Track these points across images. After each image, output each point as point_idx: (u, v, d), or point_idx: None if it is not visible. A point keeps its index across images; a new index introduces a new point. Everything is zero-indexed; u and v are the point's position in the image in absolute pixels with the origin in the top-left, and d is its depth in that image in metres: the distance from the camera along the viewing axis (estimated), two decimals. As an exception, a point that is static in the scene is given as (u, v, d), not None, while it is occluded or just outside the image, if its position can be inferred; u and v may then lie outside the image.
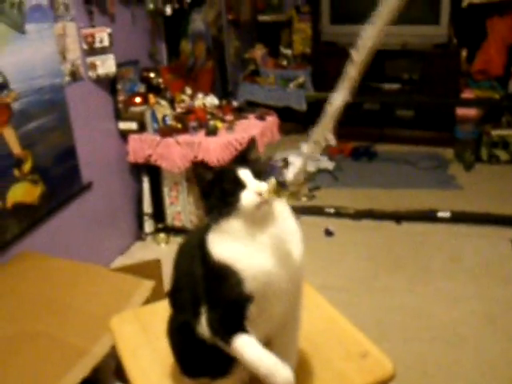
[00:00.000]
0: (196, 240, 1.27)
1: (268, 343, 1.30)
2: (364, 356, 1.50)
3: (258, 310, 1.18)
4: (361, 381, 1.43)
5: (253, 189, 1.14)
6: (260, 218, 1.18)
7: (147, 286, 2.27)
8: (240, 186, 1.15)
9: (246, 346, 1.19)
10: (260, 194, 1.14)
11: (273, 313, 1.23)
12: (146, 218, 3.60)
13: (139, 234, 3.67)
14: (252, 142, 1.30)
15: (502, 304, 2.86)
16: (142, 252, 3.48)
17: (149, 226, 3.63)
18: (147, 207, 3.58)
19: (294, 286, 1.25)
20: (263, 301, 1.18)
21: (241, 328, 1.20)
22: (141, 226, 3.66)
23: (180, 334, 1.36)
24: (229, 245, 1.18)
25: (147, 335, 1.67)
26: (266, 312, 1.21)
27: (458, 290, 2.99)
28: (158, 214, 3.60)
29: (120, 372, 2.25)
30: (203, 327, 1.25)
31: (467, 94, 5.10)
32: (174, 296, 1.38)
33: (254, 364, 1.19)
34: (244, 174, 1.16)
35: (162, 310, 1.51)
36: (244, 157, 1.24)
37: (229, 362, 1.28)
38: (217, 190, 1.18)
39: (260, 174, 1.17)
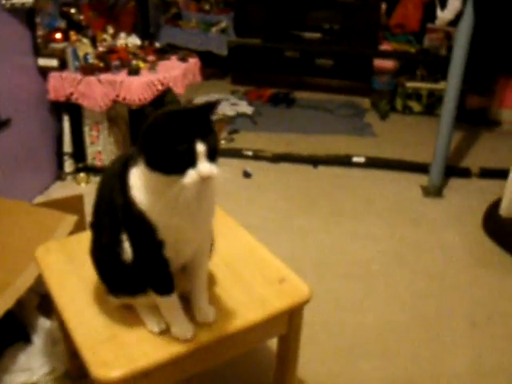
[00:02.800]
0: (118, 168, 1.31)
1: (182, 268, 1.42)
2: (282, 281, 1.61)
3: (171, 251, 1.30)
4: (279, 304, 1.53)
5: (200, 171, 1.15)
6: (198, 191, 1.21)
7: (70, 220, 2.27)
8: (190, 157, 1.15)
9: (168, 304, 1.38)
10: (205, 177, 1.15)
11: (185, 252, 1.35)
12: (66, 157, 3.55)
13: (59, 174, 3.62)
14: (168, 90, 1.33)
15: (409, 243, 3.02)
16: (61, 192, 3.43)
17: (69, 165, 3.58)
18: (67, 146, 3.52)
19: (203, 234, 1.37)
20: (175, 244, 1.29)
21: (163, 268, 1.32)
22: (61, 165, 3.60)
23: (103, 255, 1.42)
24: (148, 194, 1.23)
25: (73, 263, 1.70)
26: (178, 252, 1.32)
27: (370, 230, 3.14)
28: (79, 153, 3.56)
29: (43, 307, 2.28)
30: (127, 254, 1.32)
31: (385, 47, 5.26)
32: (96, 219, 1.42)
33: (168, 317, 1.40)
34: (200, 149, 1.15)
35: (87, 239, 1.54)
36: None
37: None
38: (164, 142, 1.15)
39: (214, 154, 1.17)
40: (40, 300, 2.30)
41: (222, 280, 1.61)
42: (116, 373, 1.29)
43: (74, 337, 1.40)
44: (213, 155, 1.17)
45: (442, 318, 2.45)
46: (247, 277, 1.63)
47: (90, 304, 1.52)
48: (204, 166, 1.15)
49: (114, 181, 1.31)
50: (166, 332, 1.40)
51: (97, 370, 1.30)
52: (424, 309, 2.51)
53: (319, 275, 2.71)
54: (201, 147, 1.14)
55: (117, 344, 1.37)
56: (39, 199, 3.34)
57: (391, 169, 3.90)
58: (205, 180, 1.16)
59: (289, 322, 1.60)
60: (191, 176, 1.15)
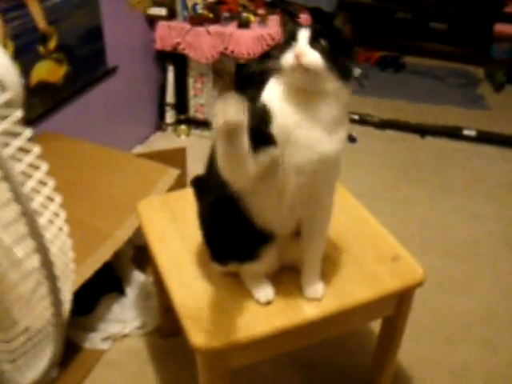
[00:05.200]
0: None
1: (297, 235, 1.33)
2: (395, 259, 1.49)
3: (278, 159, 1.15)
4: (392, 284, 1.43)
5: (295, 50, 1.09)
6: (302, 85, 1.12)
7: (172, 173, 2.24)
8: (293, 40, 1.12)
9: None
10: (298, 57, 1.08)
11: (296, 185, 1.19)
12: (167, 108, 3.54)
13: (160, 125, 3.62)
14: (277, 46, 1.23)
15: (520, 226, 2.83)
16: (161, 142, 3.44)
17: (170, 116, 3.56)
18: (170, 97, 3.50)
19: (319, 165, 1.17)
20: (285, 152, 1.14)
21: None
22: (162, 116, 3.60)
23: (211, 214, 1.34)
24: (279, 92, 1.15)
25: (176, 221, 1.65)
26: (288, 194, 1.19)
27: (478, 210, 2.96)
28: (181, 105, 3.53)
29: (137, 259, 2.27)
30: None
31: (511, 9, 4.84)
32: (208, 175, 1.33)
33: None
34: (303, 33, 1.11)
35: (190, 196, 1.49)
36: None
37: (258, 246, 1.29)
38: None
39: (320, 37, 1.10)
40: (135, 252, 2.30)
41: (332, 253, 1.51)
42: (215, 343, 1.24)
43: (174, 299, 1.35)
44: (318, 39, 1.11)
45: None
46: (359, 251, 1.52)
47: (192, 266, 1.46)
48: (300, 44, 1.10)
49: None
50: (271, 304, 1.33)
51: (196, 337, 1.24)
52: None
53: (422, 252, 2.57)
54: (304, 32, 1.11)
55: (218, 312, 1.31)
56: (139, 149, 3.35)
57: (505, 145, 3.65)
58: (302, 65, 1.08)
59: (398, 303, 1.49)
60: (286, 58, 1.11)
